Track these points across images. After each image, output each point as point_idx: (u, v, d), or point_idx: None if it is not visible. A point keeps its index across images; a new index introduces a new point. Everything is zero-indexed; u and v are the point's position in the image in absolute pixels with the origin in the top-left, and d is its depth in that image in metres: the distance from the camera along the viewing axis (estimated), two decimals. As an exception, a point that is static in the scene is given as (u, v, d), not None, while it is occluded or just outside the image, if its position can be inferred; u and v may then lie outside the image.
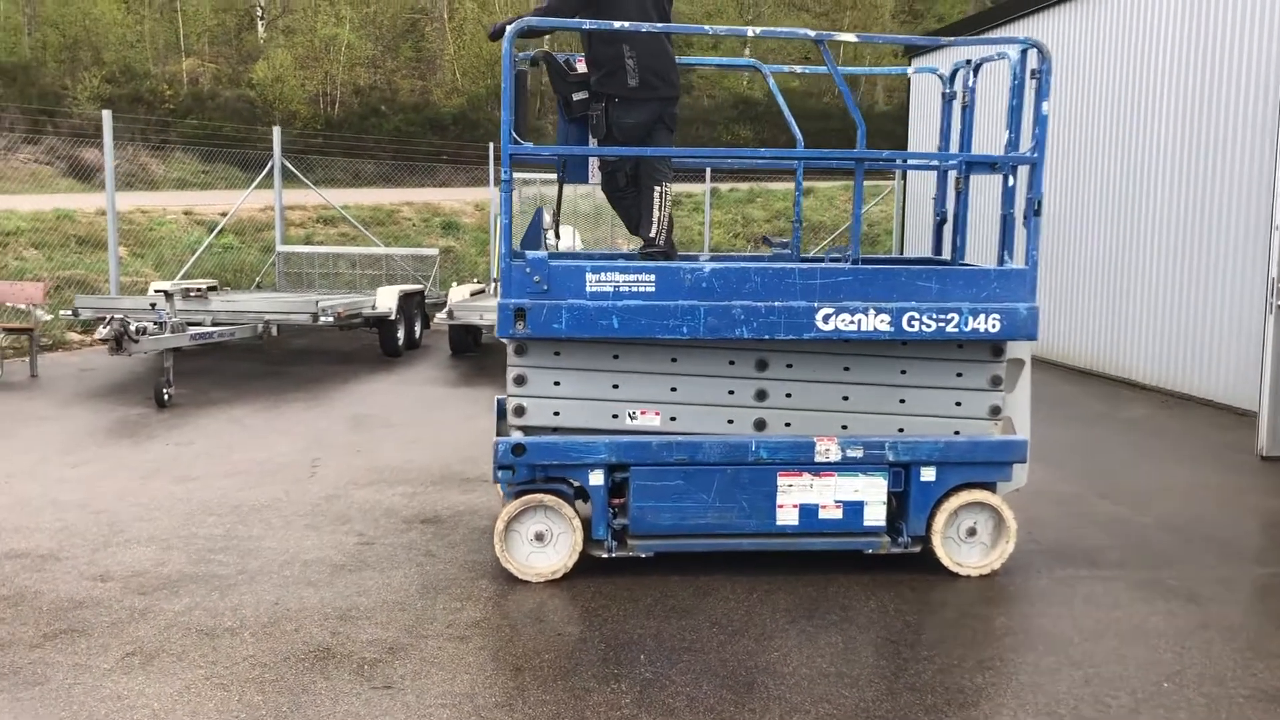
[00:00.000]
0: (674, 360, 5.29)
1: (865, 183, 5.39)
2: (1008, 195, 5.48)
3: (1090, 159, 12.59)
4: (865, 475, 5.34)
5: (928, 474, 5.38)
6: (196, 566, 5.38)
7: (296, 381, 10.91)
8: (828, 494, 5.35)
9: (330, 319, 10.73)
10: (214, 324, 10.46)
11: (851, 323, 5.10)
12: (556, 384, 5.26)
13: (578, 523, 5.24)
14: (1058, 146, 13.24)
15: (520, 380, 5.24)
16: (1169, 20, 11.13)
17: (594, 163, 5.98)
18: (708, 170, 19.60)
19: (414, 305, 13.27)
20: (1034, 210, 5.25)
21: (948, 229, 6.23)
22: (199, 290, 10.83)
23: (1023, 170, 5.41)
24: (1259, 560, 5.84)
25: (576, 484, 5.29)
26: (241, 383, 10.75)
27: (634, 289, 5.05)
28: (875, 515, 5.38)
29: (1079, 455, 8.27)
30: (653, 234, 5.71)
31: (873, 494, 5.36)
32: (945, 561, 5.43)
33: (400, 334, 12.77)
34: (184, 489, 6.81)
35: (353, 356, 12.78)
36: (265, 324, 10.47)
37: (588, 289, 5.03)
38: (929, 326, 5.14)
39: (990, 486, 5.50)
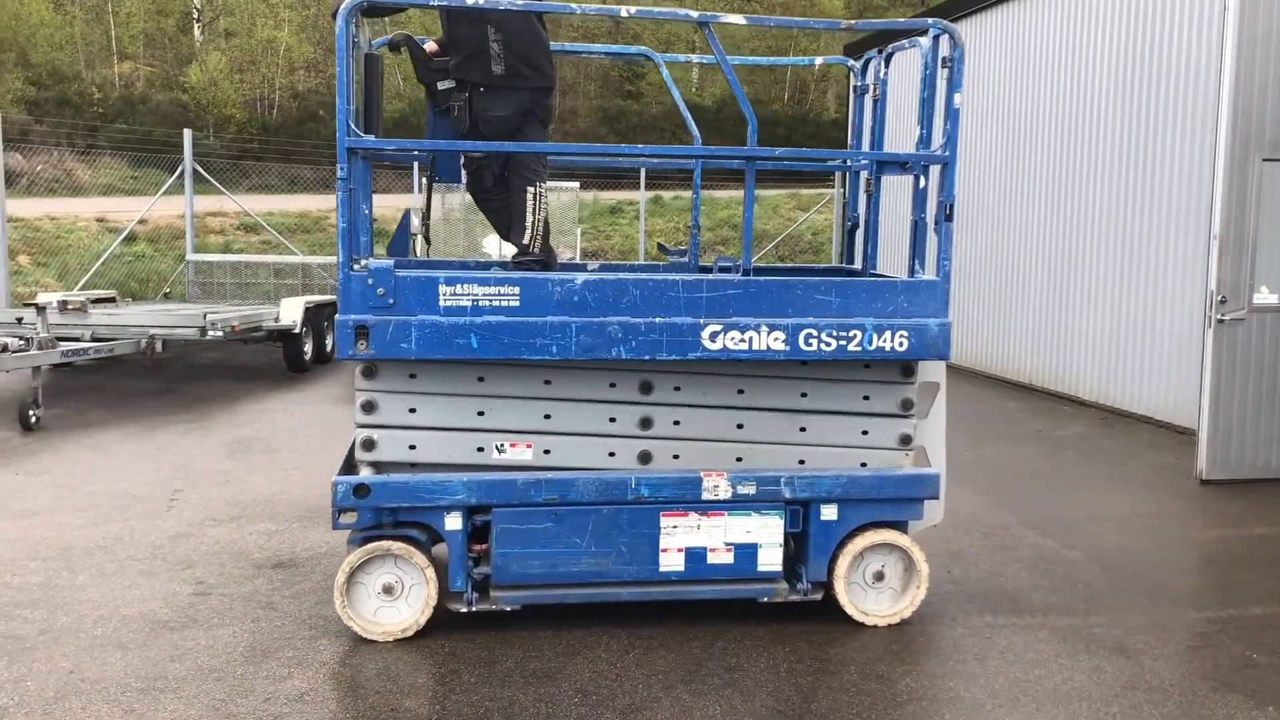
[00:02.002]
0: (548, 383, 4.68)
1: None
2: (919, 198, 4.92)
3: (1031, 166, 12.14)
4: (759, 514, 4.76)
5: (828, 512, 4.80)
6: (-7, 625, 4.69)
7: (185, 401, 10.17)
8: (717, 536, 4.76)
9: (220, 333, 10.00)
10: (93, 339, 9.69)
11: (742, 341, 4.50)
12: (412, 411, 4.62)
13: (432, 573, 4.60)
14: (998, 155, 12.81)
15: (369, 407, 4.60)
16: (1107, 27, 10.70)
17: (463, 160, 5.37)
18: (642, 173, 19.02)
19: (324, 317, 12.53)
20: (945, 215, 4.70)
21: (860, 236, 5.68)
22: (78, 303, 10.05)
23: (934, 170, 4.86)
24: (1194, 602, 5.31)
25: (432, 528, 4.65)
26: (124, 402, 9.99)
27: (495, 303, 4.41)
28: (770, 559, 4.80)
29: (1010, 479, 7.76)
30: (526, 240, 5.09)
31: (767, 535, 4.78)
32: (849, 610, 4.86)
33: (308, 348, 12.05)
34: (17, 527, 6.09)
35: (256, 373, 12.05)
36: (149, 339, 9.71)
37: (441, 303, 4.38)
38: (829, 345, 4.56)
39: (899, 525, 4.93)
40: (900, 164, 5.21)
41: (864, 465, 4.90)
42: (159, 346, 9.80)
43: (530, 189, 5.02)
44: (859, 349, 4.58)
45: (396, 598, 4.62)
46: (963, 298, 13.61)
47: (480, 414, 4.65)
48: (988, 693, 4.22)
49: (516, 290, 4.43)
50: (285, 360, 11.95)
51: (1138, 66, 10.19)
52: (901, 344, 4.62)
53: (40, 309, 9.03)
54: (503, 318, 4.40)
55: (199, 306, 12.31)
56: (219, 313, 10.68)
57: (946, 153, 4.69)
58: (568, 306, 4.44)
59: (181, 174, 15.34)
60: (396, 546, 4.56)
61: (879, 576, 4.92)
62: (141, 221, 17.18)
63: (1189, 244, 9.40)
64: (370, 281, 4.35)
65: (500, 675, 4.27)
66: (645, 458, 4.77)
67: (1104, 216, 10.69)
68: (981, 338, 13.11)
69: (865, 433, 4.90)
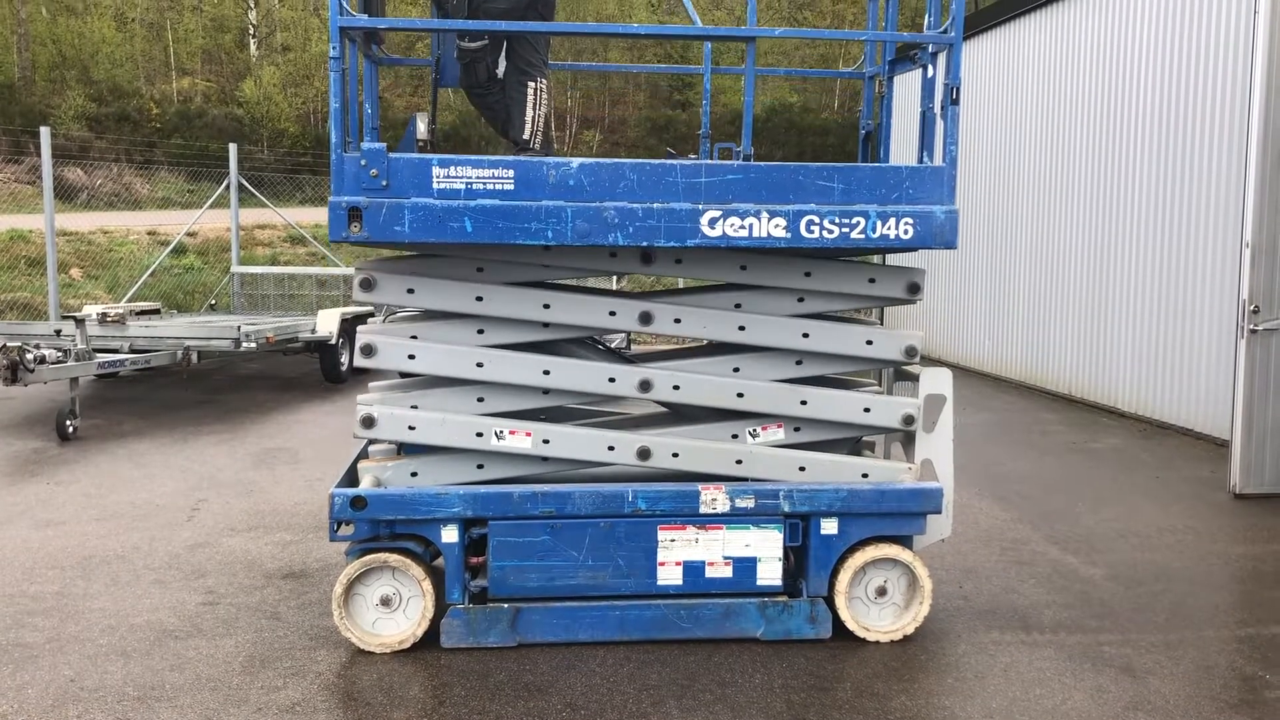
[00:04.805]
0: (546, 307, 4.64)
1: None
2: (927, 88, 4.83)
3: (1069, 176, 11.95)
4: (757, 528, 4.72)
5: (829, 526, 4.76)
6: (4, 634, 4.77)
7: (220, 411, 10.34)
8: (715, 549, 4.73)
9: (254, 345, 10.15)
10: (131, 351, 9.88)
11: (741, 227, 4.39)
12: (411, 358, 4.61)
13: (429, 585, 4.62)
14: (1036, 165, 12.64)
15: (369, 350, 4.60)
16: (1144, 37, 10.50)
17: None
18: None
19: (361, 328, 12.66)
20: (951, 98, 4.56)
21: (875, 145, 5.60)
22: (117, 315, 10.26)
23: (941, 56, 4.75)
24: (1212, 621, 5.17)
25: (429, 541, 4.67)
26: (161, 413, 10.18)
27: (489, 186, 4.33)
28: (770, 573, 4.76)
29: (1038, 492, 7.62)
30: (526, 135, 5.08)
31: (766, 549, 4.74)
32: (850, 625, 4.80)
33: (345, 359, 12.20)
34: (40, 536, 6.22)
35: (293, 384, 12.21)
36: (185, 351, 9.89)
37: (435, 185, 4.31)
38: (831, 232, 4.42)
39: (903, 540, 4.87)
40: (909, 57, 5.13)
41: (865, 475, 4.85)
42: (194, 358, 9.98)
43: (531, 84, 5.01)
44: (862, 236, 4.45)
45: (394, 610, 4.65)
46: (1002, 309, 13.42)
47: (479, 365, 4.64)
48: (983, 712, 4.14)
49: (511, 173, 4.34)
50: (322, 371, 12.11)
51: (1173, 76, 10.00)
52: (906, 231, 4.48)
53: (79, 321, 9.23)
54: (497, 201, 4.33)
55: (239, 318, 12.51)
56: (253, 324, 10.83)
57: (951, 34, 4.57)
58: (563, 191, 4.36)
59: (227, 187, 15.62)
60: (394, 559, 4.60)
61: (881, 592, 4.86)
62: (191, 234, 17.51)
63: (1227, 253, 9.18)
64: (363, 163, 4.29)
65: (492, 688, 4.27)
66: (644, 454, 4.73)
67: (1142, 226, 10.49)
68: (1021, 348, 12.92)
69: (868, 410, 4.84)
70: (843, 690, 4.32)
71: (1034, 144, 12.67)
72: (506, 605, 4.66)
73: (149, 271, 15.15)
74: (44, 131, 13.00)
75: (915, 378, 4.96)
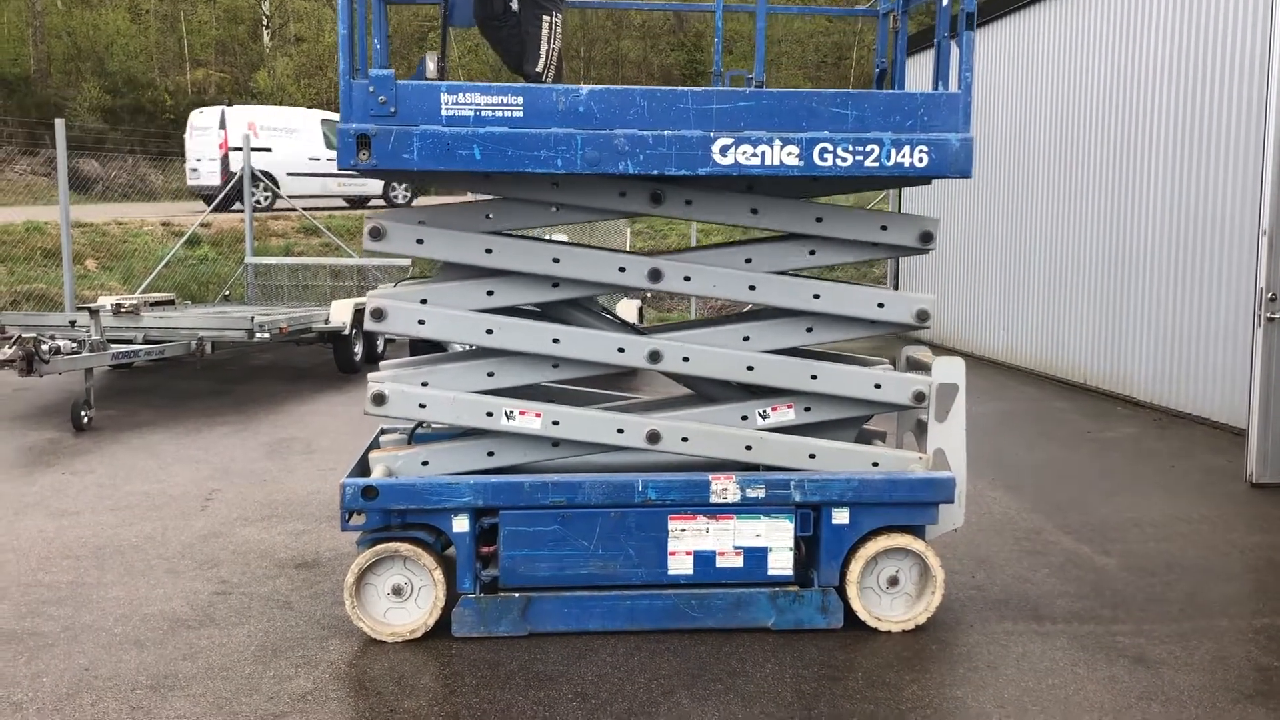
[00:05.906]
0: (556, 261, 4.63)
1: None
2: (942, 16, 4.75)
3: (1084, 165, 11.86)
4: (768, 518, 4.71)
5: (840, 516, 4.74)
6: (20, 622, 4.81)
7: (234, 402, 10.37)
8: (726, 539, 4.72)
9: (267, 335, 10.17)
10: (146, 341, 9.93)
11: (754, 155, 4.34)
12: (421, 323, 4.63)
13: (440, 574, 4.63)
14: (1052, 154, 12.56)
15: (379, 315, 4.62)
16: (1160, 22, 10.41)
17: None
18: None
19: (375, 319, 12.68)
20: (966, 23, 4.47)
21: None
22: (131, 306, 10.30)
23: None
24: (1226, 611, 5.14)
25: (440, 530, 4.67)
26: (175, 403, 10.22)
27: (498, 114, 4.29)
28: (781, 562, 4.75)
29: (1051, 481, 7.58)
30: (539, 68, 5.11)
31: (777, 539, 4.73)
32: (862, 615, 4.79)
33: (358, 349, 12.23)
34: (55, 526, 6.26)
35: (307, 374, 12.24)
36: (199, 341, 9.92)
37: (443, 112, 4.27)
38: (845, 160, 4.37)
39: (915, 530, 4.85)
40: None
41: (876, 464, 4.84)
42: (208, 348, 10.01)
43: (547, 18, 5.04)
44: (876, 164, 4.40)
45: (406, 599, 4.66)
46: (1017, 297, 13.36)
47: (489, 332, 4.64)
48: (996, 702, 4.13)
49: (520, 100, 4.31)
50: (336, 361, 12.14)
51: (1191, 63, 9.90)
52: (921, 159, 4.43)
53: (94, 312, 9.27)
54: (506, 129, 4.29)
55: (253, 309, 12.54)
56: (267, 315, 10.86)
57: None
58: (573, 118, 4.32)
59: (241, 178, 15.66)
60: (405, 548, 4.60)
61: (893, 581, 4.84)
62: (205, 225, 17.56)
63: (1245, 241, 9.10)
64: (371, 89, 4.24)
65: (503, 678, 4.28)
66: (654, 437, 4.72)
67: (1158, 214, 10.41)
68: (1035, 337, 12.85)
69: (878, 386, 4.83)
70: (854, 680, 4.31)
71: (1049, 131, 12.59)
72: (517, 594, 4.67)
73: (163, 262, 15.21)
74: (59, 124, 13.03)
75: (928, 367, 4.94)
